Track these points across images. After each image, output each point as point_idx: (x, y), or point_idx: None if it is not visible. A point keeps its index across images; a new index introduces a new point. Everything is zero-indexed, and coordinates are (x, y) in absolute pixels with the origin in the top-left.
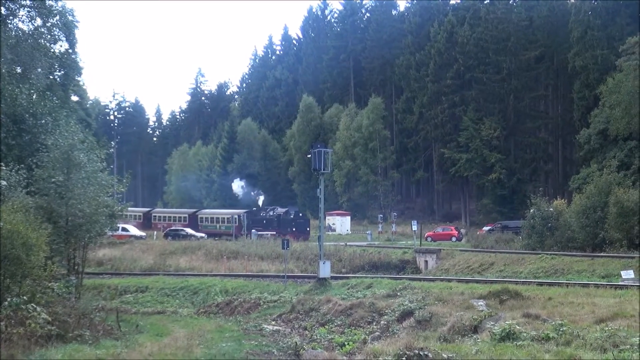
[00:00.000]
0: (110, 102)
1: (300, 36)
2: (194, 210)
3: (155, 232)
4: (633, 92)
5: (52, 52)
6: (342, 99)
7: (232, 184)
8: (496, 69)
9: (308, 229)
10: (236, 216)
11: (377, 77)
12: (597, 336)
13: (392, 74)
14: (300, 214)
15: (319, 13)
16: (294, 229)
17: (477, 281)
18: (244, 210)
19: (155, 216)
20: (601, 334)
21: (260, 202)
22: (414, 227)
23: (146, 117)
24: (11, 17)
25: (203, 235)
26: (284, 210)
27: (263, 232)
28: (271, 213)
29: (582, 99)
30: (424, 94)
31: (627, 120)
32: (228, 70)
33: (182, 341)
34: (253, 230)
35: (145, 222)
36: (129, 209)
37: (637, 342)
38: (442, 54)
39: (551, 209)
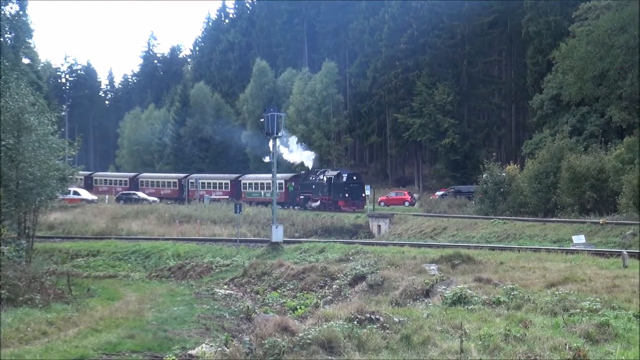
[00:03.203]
0: (62, 65)
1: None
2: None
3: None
4: (586, 57)
5: (3, 13)
6: (295, 63)
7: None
8: (450, 34)
9: (364, 194)
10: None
11: (330, 41)
12: (547, 300)
13: (345, 38)
14: (355, 177)
15: None
16: (346, 195)
17: (430, 246)
18: (291, 175)
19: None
20: (552, 298)
21: (310, 165)
22: (367, 192)
23: (98, 80)
24: None
25: (155, 199)
26: (334, 172)
27: (313, 203)
28: (320, 177)
29: (535, 65)
30: (377, 59)
31: (579, 86)
32: (181, 34)
33: (134, 305)
34: (205, 195)
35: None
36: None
37: (587, 306)
38: (396, 19)
39: (504, 174)
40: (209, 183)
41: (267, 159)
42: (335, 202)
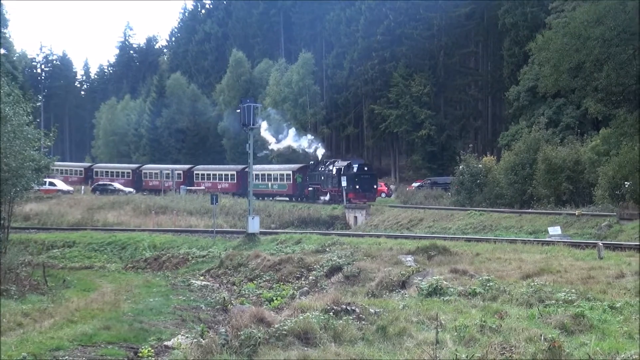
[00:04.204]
0: (38, 55)
1: None
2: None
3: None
4: (562, 49)
5: None
6: (272, 53)
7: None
8: (427, 25)
9: (375, 186)
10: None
11: (307, 32)
12: (523, 291)
13: (322, 29)
14: (366, 168)
15: None
16: (357, 187)
17: (406, 237)
18: (299, 165)
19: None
20: (527, 290)
21: (319, 155)
22: (344, 183)
23: (74, 70)
24: None
25: (131, 190)
26: (344, 163)
27: (322, 195)
28: (330, 167)
29: (511, 56)
30: (354, 50)
31: (555, 78)
32: (157, 24)
33: (110, 296)
34: (182, 186)
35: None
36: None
37: (562, 297)
38: (372, 10)
39: (480, 166)
40: (214, 175)
41: (267, 150)
42: (345, 194)
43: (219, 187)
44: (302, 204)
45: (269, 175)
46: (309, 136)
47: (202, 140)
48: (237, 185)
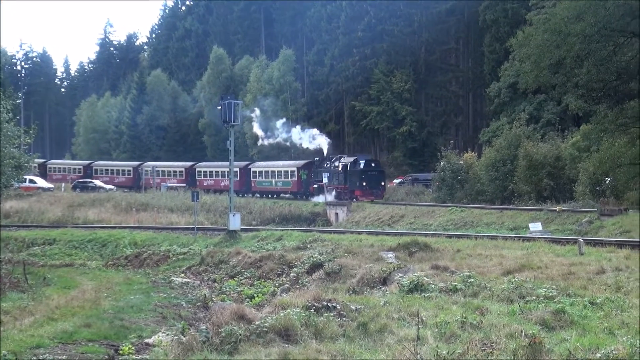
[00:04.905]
0: (17, 52)
1: None
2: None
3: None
4: (542, 45)
5: None
6: (252, 50)
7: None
8: (407, 21)
9: (383, 183)
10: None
11: (288, 29)
12: (504, 288)
13: (303, 26)
14: (373, 164)
15: None
16: (364, 184)
17: (387, 233)
18: (304, 162)
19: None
20: (508, 286)
21: (324, 150)
22: (325, 180)
23: (54, 67)
24: None
25: (112, 187)
26: (351, 159)
27: (328, 193)
28: (336, 164)
29: (492, 53)
30: (335, 46)
31: (536, 74)
32: (138, 21)
33: (90, 294)
34: (163, 183)
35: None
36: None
37: (543, 293)
38: (353, 6)
39: (461, 162)
40: (216, 172)
41: (262, 145)
42: (351, 192)
43: (222, 184)
44: (284, 200)
45: (273, 172)
46: (315, 130)
47: (183, 137)
48: (240, 183)
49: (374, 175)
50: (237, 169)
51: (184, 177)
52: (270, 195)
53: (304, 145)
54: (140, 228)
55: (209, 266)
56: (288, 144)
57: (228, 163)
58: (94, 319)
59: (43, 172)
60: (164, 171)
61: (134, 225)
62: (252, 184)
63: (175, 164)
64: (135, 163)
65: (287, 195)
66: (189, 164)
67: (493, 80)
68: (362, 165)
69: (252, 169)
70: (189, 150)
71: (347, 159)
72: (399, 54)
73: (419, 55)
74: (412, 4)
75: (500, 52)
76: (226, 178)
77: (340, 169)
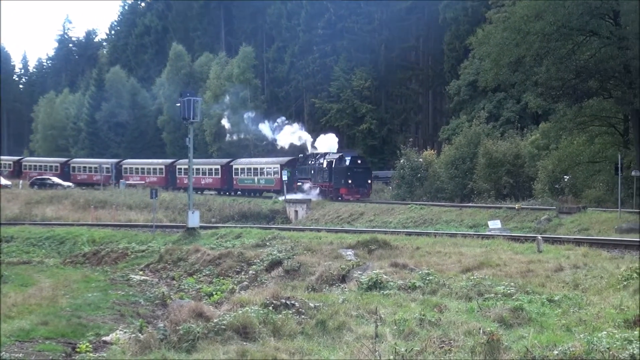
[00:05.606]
0: None
1: None
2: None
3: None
4: (502, 44)
5: None
6: (212, 47)
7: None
8: (367, 19)
9: (370, 181)
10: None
11: (248, 25)
12: (462, 285)
13: (263, 22)
14: (360, 161)
15: None
16: (349, 182)
17: (347, 231)
18: (288, 159)
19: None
20: (467, 283)
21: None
22: (284, 177)
23: (12, 63)
24: None
25: (70, 184)
26: (337, 155)
27: (313, 191)
28: (320, 160)
29: (452, 51)
30: (295, 44)
31: (495, 72)
32: (97, 18)
33: (48, 291)
34: (121, 180)
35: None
36: None
37: (501, 291)
38: (313, 3)
39: (421, 160)
40: (197, 169)
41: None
42: (337, 190)
43: (203, 182)
44: (243, 198)
45: (255, 169)
46: (295, 125)
47: (142, 134)
48: (221, 181)
49: (360, 172)
50: (219, 167)
51: (163, 175)
52: (253, 194)
53: (286, 141)
54: (98, 225)
55: (167, 264)
56: (264, 143)
57: (209, 160)
58: (52, 317)
59: (18, 170)
60: (137, 169)
61: (92, 222)
62: (234, 182)
63: (155, 161)
64: (168, 161)
65: (269, 194)
66: (169, 161)
67: (453, 78)
68: (347, 162)
69: (234, 167)
70: (148, 147)
71: (332, 156)
72: (359, 51)
73: (379, 53)
74: (372, 2)
75: (460, 50)
76: (207, 176)
77: (325, 165)
